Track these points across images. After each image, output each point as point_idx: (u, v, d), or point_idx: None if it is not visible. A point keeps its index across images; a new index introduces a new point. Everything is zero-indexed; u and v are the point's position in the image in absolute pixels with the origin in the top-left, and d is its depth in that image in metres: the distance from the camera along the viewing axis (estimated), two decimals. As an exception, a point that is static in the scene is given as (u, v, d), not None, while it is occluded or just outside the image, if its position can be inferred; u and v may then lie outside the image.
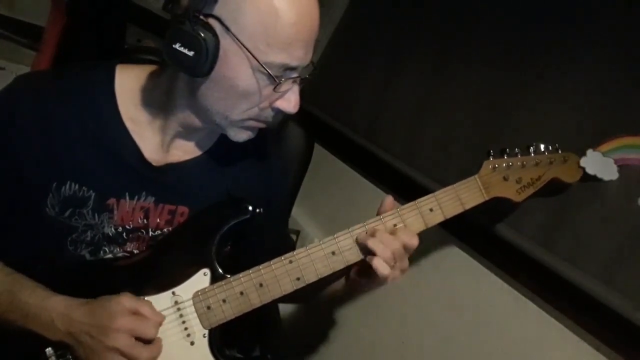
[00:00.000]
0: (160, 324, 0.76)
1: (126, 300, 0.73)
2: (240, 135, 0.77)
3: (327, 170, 1.43)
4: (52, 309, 0.73)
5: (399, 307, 1.16)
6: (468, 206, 0.81)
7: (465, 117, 1.10)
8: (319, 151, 1.40)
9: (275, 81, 0.69)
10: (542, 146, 0.84)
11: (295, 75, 0.71)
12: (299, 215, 1.38)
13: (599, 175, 0.82)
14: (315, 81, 1.55)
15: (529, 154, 0.84)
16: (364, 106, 1.35)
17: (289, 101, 0.73)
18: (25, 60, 1.61)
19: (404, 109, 1.24)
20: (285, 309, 1.40)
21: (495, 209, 0.97)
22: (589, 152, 0.83)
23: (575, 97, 0.91)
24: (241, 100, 0.72)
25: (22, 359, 0.78)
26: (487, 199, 0.82)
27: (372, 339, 1.21)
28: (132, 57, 0.84)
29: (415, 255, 1.13)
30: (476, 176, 0.82)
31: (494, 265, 0.99)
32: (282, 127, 1.25)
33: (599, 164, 0.82)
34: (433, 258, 1.11)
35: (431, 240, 1.10)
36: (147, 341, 0.73)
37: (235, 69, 0.69)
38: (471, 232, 1.02)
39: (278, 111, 0.75)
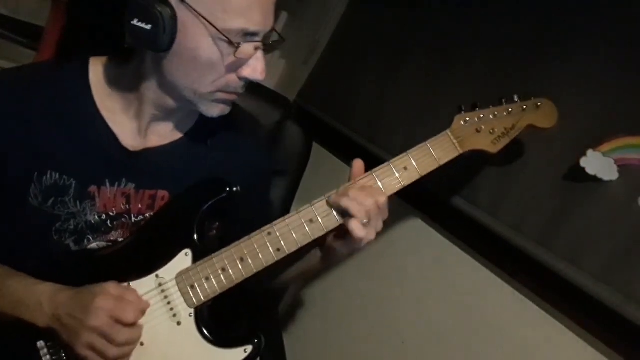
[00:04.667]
0: (143, 311, 0.77)
1: (111, 286, 0.75)
2: (212, 110, 0.76)
3: (327, 170, 1.43)
4: (41, 294, 0.75)
5: (398, 307, 1.16)
6: (443, 161, 0.81)
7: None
8: (318, 151, 1.40)
9: (234, 46, 0.68)
10: (515, 96, 0.83)
11: (256, 40, 0.71)
12: (298, 215, 1.38)
13: (599, 175, 0.82)
14: (316, 81, 1.56)
15: (501, 104, 0.83)
16: (364, 106, 1.35)
17: (254, 69, 0.73)
18: (25, 60, 1.61)
19: (404, 109, 1.24)
20: (283, 306, 1.40)
21: (495, 206, 0.97)
22: (589, 152, 0.83)
23: (575, 97, 0.91)
24: (206, 71, 0.71)
25: (15, 354, 0.79)
26: (461, 152, 0.82)
27: (372, 338, 1.21)
28: (104, 50, 0.83)
29: (415, 255, 1.14)
30: (448, 131, 0.82)
31: (494, 265, 0.99)
32: (280, 127, 1.25)
33: (599, 164, 0.82)
34: (433, 258, 1.11)
35: (431, 239, 1.10)
36: (128, 325, 0.74)
37: (196, 40, 0.69)
38: (471, 231, 1.02)
39: (246, 80, 0.74)
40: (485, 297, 1.00)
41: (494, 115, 0.82)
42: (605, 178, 0.82)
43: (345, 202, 0.74)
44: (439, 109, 1.16)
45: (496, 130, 0.82)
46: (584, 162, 0.83)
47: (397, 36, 1.32)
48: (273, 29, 0.74)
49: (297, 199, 1.31)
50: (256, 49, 0.72)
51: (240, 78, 0.73)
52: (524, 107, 0.83)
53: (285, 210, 1.29)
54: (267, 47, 0.74)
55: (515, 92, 0.83)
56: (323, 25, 1.58)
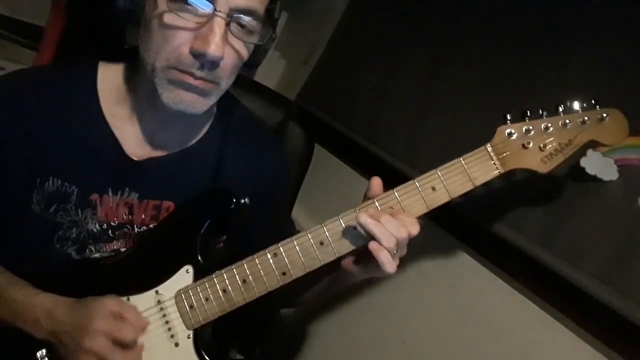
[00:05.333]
0: (142, 330, 0.74)
1: (110, 303, 0.71)
2: (168, 95, 0.69)
3: (327, 170, 1.43)
4: (39, 307, 0.73)
5: (398, 307, 1.16)
6: (479, 182, 0.69)
7: (466, 117, 1.10)
8: (319, 151, 1.40)
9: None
10: (575, 104, 0.69)
11: (210, 6, 0.64)
12: (299, 216, 1.38)
13: (599, 175, 0.82)
14: (316, 81, 1.56)
15: (557, 114, 0.68)
16: (364, 106, 1.35)
17: (205, 41, 0.64)
18: (25, 60, 1.61)
19: (405, 109, 1.24)
20: (283, 310, 1.40)
21: (495, 207, 0.97)
22: (589, 152, 0.83)
23: (575, 97, 0.91)
24: (160, 41, 0.67)
25: None
26: (502, 171, 0.70)
27: (372, 338, 1.21)
28: (114, 54, 0.83)
29: (415, 255, 1.14)
30: (488, 145, 0.69)
31: (494, 265, 0.99)
32: (281, 127, 1.25)
33: (599, 164, 0.82)
34: (433, 258, 1.11)
35: (431, 240, 1.10)
36: (126, 345, 0.71)
37: (151, 5, 0.67)
38: (471, 232, 1.02)
39: (203, 59, 0.66)
40: (485, 297, 1.00)
41: (546, 128, 0.68)
42: (605, 178, 0.82)
43: (378, 231, 0.66)
44: (440, 109, 1.16)
45: (548, 146, 0.69)
46: (584, 162, 0.83)
47: (397, 36, 1.32)
48: (268, 20, 0.69)
49: (298, 200, 1.31)
50: (211, 17, 0.65)
51: (193, 53, 0.66)
52: (585, 119, 0.68)
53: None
54: (236, 24, 0.67)
55: (575, 98, 0.70)
56: (323, 25, 1.58)
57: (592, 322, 0.83)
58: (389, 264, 0.67)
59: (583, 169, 0.83)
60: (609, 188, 0.83)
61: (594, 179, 0.83)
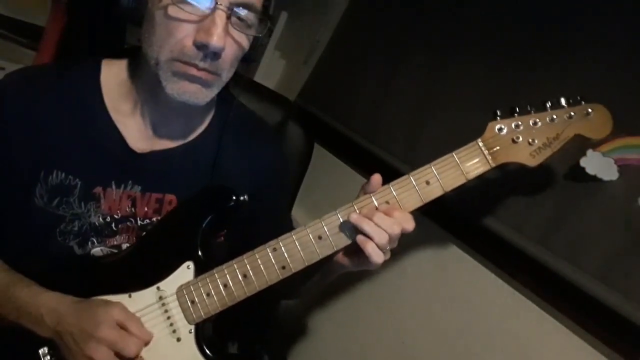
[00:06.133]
0: (146, 343, 0.75)
1: (116, 312, 0.72)
2: (173, 87, 0.71)
3: (327, 170, 1.43)
4: (43, 305, 0.74)
5: (398, 307, 1.16)
6: (471, 176, 0.72)
7: (465, 117, 1.10)
8: (319, 151, 1.40)
9: None
10: (562, 100, 0.72)
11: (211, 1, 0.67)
12: (298, 215, 1.38)
13: (599, 175, 0.82)
14: (316, 81, 1.56)
15: (545, 109, 0.72)
16: (364, 106, 1.35)
17: (207, 32, 0.67)
18: (25, 60, 1.61)
19: (405, 108, 1.24)
20: (283, 306, 1.40)
21: (495, 207, 0.97)
22: (589, 152, 0.83)
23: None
24: (163, 34, 0.69)
25: (17, 358, 0.79)
26: (493, 165, 0.73)
27: (372, 338, 1.21)
28: (117, 54, 0.85)
29: (415, 255, 1.14)
30: (479, 140, 0.72)
31: (493, 264, 0.99)
32: (281, 127, 1.25)
33: (599, 164, 0.82)
34: (432, 258, 1.11)
35: (431, 239, 1.10)
36: (126, 358, 0.72)
37: (154, 1, 0.69)
38: (471, 231, 1.02)
39: (206, 50, 0.68)
40: (485, 297, 1.00)
41: (534, 123, 0.72)
42: (605, 178, 0.82)
43: (369, 228, 0.70)
44: (439, 109, 1.16)
45: (536, 141, 0.72)
46: (584, 162, 0.83)
47: (397, 36, 1.32)
48: (264, 15, 0.71)
49: (297, 199, 1.31)
50: (213, 10, 0.67)
51: (196, 45, 0.68)
52: (571, 114, 0.72)
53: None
54: (235, 18, 0.70)
55: (561, 94, 0.73)
56: (323, 25, 1.57)
57: (592, 322, 0.83)
58: (375, 255, 0.71)
59: (583, 169, 0.83)
60: (609, 188, 0.83)
61: (594, 179, 0.83)
